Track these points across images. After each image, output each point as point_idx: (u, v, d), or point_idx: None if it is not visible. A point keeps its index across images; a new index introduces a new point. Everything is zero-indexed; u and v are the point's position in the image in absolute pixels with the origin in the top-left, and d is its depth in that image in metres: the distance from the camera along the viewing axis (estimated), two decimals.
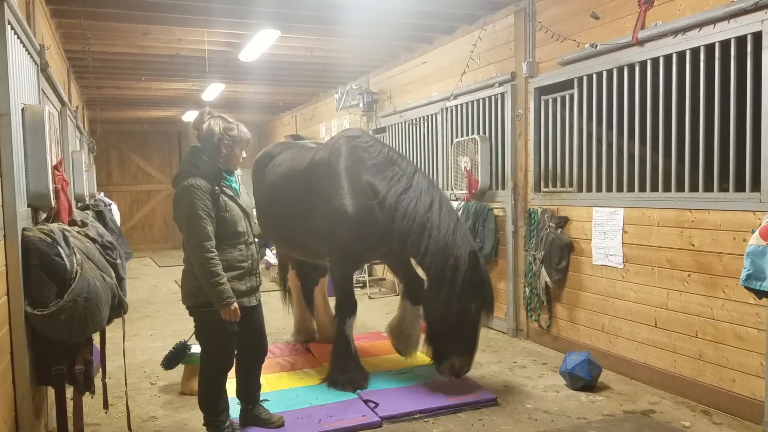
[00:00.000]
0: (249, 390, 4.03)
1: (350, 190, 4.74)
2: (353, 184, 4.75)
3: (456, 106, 7.35)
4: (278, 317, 6.82)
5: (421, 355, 5.45)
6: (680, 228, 4.49)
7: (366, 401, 4.44)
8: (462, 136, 7.19)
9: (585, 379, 4.67)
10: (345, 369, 4.79)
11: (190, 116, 14.13)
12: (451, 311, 4.38)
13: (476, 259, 4.42)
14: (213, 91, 10.87)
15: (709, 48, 4.24)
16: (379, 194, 4.70)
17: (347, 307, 4.86)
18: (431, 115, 7.95)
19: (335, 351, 4.88)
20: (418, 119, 8.33)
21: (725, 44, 4.14)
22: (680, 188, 4.55)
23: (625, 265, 4.99)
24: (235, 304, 3.56)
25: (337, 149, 4.94)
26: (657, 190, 4.74)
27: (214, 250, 3.52)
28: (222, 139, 3.68)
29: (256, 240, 3.92)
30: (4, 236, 3.03)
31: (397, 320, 5.36)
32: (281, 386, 4.83)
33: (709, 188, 4.33)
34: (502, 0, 6.19)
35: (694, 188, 4.45)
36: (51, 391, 3.79)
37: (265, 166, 5.85)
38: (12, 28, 3.33)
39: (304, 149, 5.71)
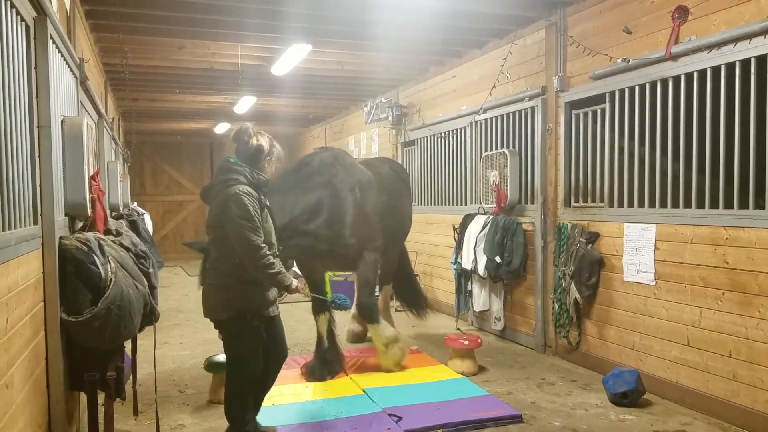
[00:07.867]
0: (263, 396, 4.07)
1: None
2: None
3: (485, 119, 7.33)
4: (303, 329, 6.85)
5: (447, 370, 5.43)
6: (714, 245, 4.39)
7: (390, 415, 4.42)
8: (491, 149, 7.17)
9: (629, 383, 4.60)
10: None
11: (222, 128, 14.37)
12: None
13: None
14: (245, 103, 11.03)
15: (745, 63, 4.17)
16: None
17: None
18: (460, 128, 7.94)
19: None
20: (447, 133, 8.33)
21: (761, 59, 4.06)
22: (714, 205, 4.46)
23: (657, 282, 4.89)
24: (295, 281, 3.73)
25: None
26: (690, 207, 4.65)
27: (265, 245, 3.61)
28: (270, 155, 3.84)
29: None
30: (42, 244, 3.12)
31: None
32: (306, 398, 4.85)
33: (744, 205, 4.23)
34: (533, 15, 6.18)
35: (728, 205, 4.35)
36: (83, 397, 3.87)
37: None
38: (54, 43, 3.45)
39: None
